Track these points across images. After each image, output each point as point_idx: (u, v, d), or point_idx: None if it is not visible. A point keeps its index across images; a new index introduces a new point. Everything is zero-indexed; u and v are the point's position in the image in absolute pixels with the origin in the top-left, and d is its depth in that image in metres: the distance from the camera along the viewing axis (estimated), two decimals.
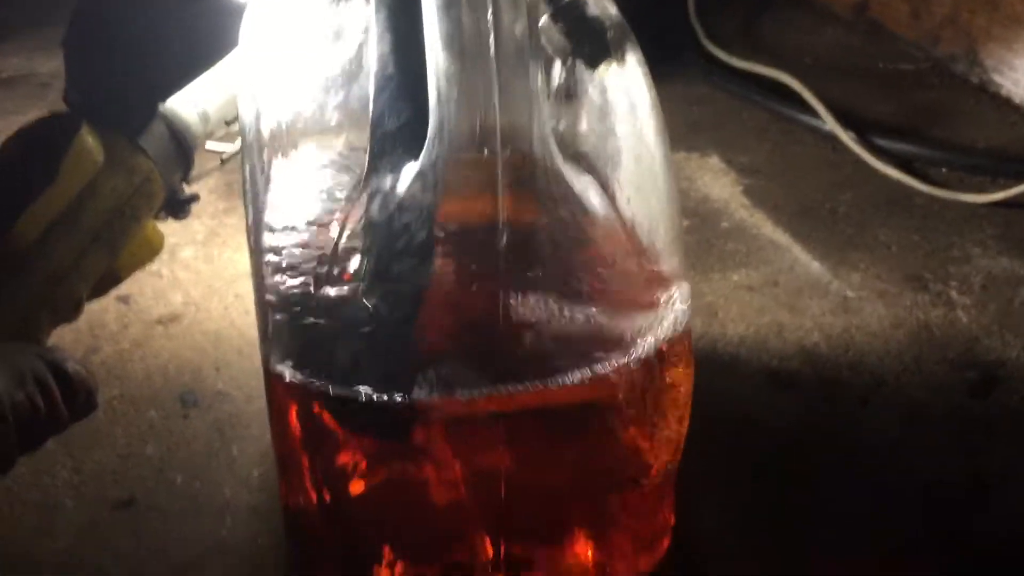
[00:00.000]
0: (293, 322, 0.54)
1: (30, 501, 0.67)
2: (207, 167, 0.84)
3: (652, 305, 0.56)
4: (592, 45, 0.55)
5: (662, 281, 0.57)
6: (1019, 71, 1.12)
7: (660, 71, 0.58)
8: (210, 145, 0.82)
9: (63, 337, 0.71)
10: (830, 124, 1.06)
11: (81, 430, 0.72)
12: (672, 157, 0.59)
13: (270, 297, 0.55)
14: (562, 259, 0.53)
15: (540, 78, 0.53)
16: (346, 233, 0.53)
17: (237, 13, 0.63)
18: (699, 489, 0.65)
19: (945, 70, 1.20)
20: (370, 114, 0.54)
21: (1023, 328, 0.80)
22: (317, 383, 0.53)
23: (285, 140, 0.60)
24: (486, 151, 0.48)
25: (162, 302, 0.86)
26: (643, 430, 0.59)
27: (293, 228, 0.58)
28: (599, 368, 0.53)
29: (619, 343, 0.54)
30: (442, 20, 0.50)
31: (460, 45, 0.50)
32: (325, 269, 0.52)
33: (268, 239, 0.58)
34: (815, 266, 0.89)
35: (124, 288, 0.87)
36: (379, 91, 0.53)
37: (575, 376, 0.52)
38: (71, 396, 0.63)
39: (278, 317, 0.55)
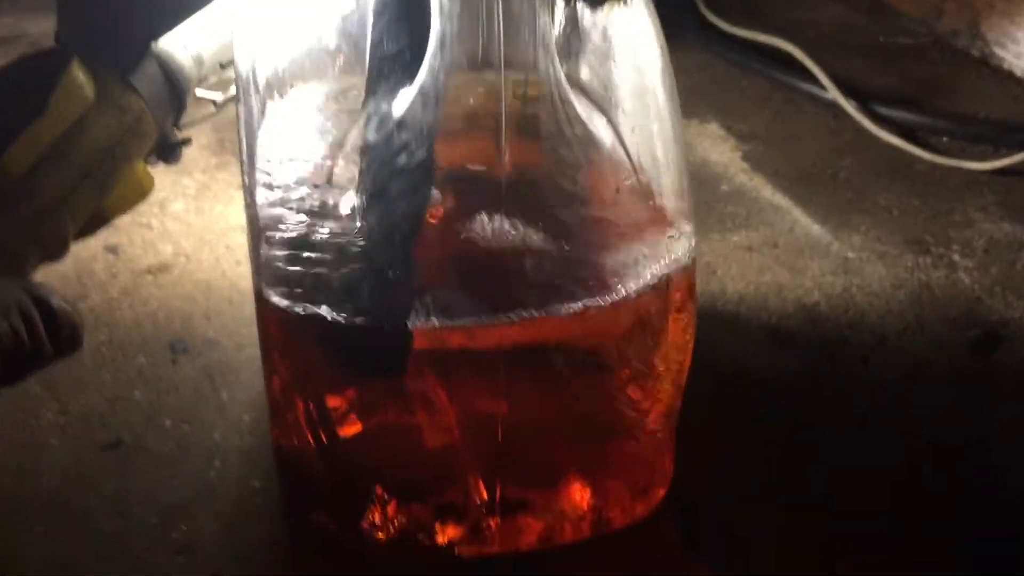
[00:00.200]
0: (287, 251, 0.53)
1: (15, 441, 0.65)
2: (200, 114, 0.83)
3: (655, 240, 0.55)
4: None
5: (666, 217, 0.56)
6: (1022, 44, 1.11)
7: None
8: (201, 93, 0.81)
9: (50, 283, 0.69)
10: (831, 91, 1.05)
11: (67, 374, 0.71)
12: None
13: (263, 224, 0.54)
14: (565, 187, 0.52)
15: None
16: (342, 158, 0.51)
17: None
18: (697, 442, 0.64)
19: (946, 45, 1.20)
20: (368, 38, 0.53)
21: None
22: (311, 312, 0.52)
23: (281, 81, 0.59)
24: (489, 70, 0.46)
25: (152, 252, 0.84)
26: (643, 370, 0.57)
27: (289, 160, 0.57)
28: (598, 300, 0.52)
29: (620, 275, 0.53)
30: None
31: None
32: (320, 195, 0.51)
33: (262, 170, 0.56)
34: (815, 228, 0.88)
35: (113, 238, 0.86)
36: (378, 14, 0.52)
37: (574, 306, 0.51)
38: (56, 331, 0.62)
39: (271, 246, 0.54)
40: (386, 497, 0.58)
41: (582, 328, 0.54)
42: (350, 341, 0.52)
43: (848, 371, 0.73)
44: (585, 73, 0.52)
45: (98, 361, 0.72)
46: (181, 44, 0.74)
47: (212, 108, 0.81)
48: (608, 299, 0.52)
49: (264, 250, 0.54)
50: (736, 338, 0.76)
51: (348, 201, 0.50)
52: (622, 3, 0.58)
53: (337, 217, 0.50)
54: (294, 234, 0.52)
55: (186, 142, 0.76)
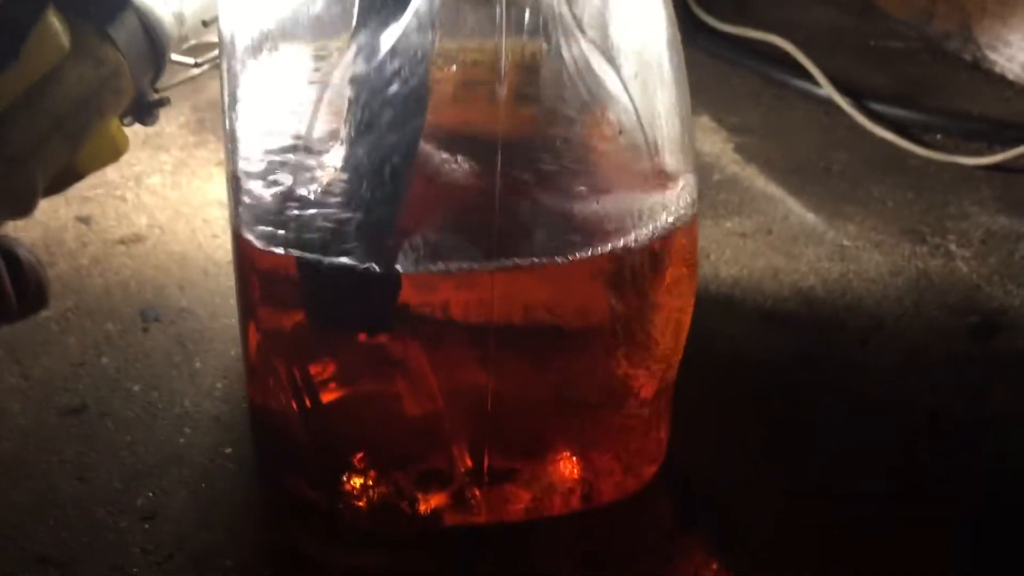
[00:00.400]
0: (269, 191, 0.50)
1: None
2: (176, 80, 0.80)
3: (654, 194, 0.52)
4: None
5: (666, 171, 0.54)
6: (1014, 47, 1.10)
7: None
8: (178, 58, 0.78)
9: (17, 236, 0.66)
10: (825, 87, 1.03)
11: (30, 337, 0.68)
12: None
13: (245, 168, 0.51)
14: (562, 130, 0.49)
15: None
16: (328, 95, 0.49)
17: None
18: (692, 421, 0.61)
19: (937, 48, 1.19)
20: None
21: None
22: (293, 254, 0.49)
23: (266, 38, 0.56)
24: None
25: (125, 223, 0.81)
26: (636, 336, 0.55)
27: (274, 102, 0.54)
28: (591, 249, 0.49)
29: (615, 227, 0.50)
30: None
31: None
32: (305, 132, 0.48)
33: (245, 115, 0.53)
34: (810, 217, 0.86)
35: (85, 209, 0.83)
36: None
37: (565, 255, 0.48)
38: (21, 285, 0.59)
39: (253, 189, 0.51)
40: (367, 463, 0.55)
41: (573, 282, 0.51)
42: (335, 288, 0.49)
43: (846, 354, 0.70)
44: (586, 13, 0.50)
45: (64, 326, 0.69)
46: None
47: (189, 72, 0.78)
48: (601, 249, 0.50)
49: (245, 193, 0.51)
50: (731, 320, 0.73)
51: (335, 138, 0.47)
52: None
53: (323, 154, 0.47)
54: (277, 174, 0.49)
55: (164, 102, 0.73)
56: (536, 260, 0.48)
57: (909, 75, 1.13)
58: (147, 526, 0.54)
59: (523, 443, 0.56)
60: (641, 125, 0.52)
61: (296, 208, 0.49)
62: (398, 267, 0.47)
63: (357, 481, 0.55)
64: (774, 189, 0.90)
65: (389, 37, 0.47)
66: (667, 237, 0.53)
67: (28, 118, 0.62)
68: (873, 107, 1.02)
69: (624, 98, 0.50)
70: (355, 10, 0.48)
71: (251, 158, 0.52)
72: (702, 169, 0.93)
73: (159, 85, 0.75)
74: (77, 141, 0.66)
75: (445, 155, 0.49)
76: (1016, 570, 0.56)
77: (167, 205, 0.84)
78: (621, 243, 0.51)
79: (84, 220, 0.81)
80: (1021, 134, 0.96)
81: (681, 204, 0.54)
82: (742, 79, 1.11)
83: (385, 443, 0.55)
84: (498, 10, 0.44)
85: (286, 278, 0.50)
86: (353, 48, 0.47)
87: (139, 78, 0.70)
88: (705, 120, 1.02)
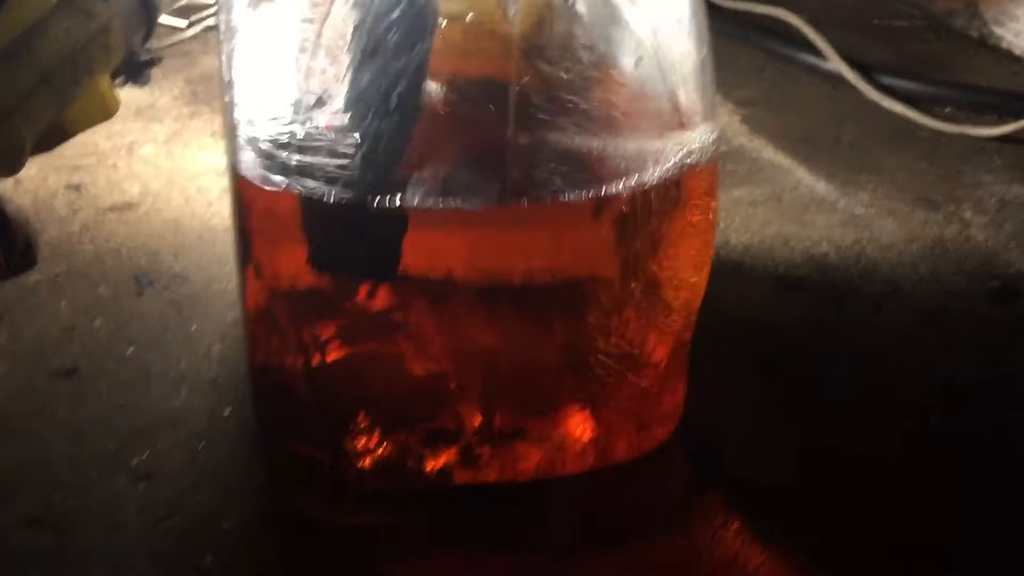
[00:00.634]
0: (270, 127, 0.48)
1: None
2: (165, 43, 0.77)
3: (669, 133, 0.50)
4: None
5: (684, 113, 0.52)
6: (1021, 22, 1.08)
7: None
8: (169, 19, 0.76)
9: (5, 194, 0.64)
10: (832, 60, 1.02)
11: (19, 301, 0.65)
12: None
13: (244, 104, 0.49)
14: (577, 66, 0.47)
15: None
16: (329, 26, 0.46)
17: None
18: (706, 383, 0.59)
19: (941, 25, 1.17)
20: None
21: None
22: (296, 191, 0.46)
23: None
24: None
25: (116, 191, 0.79)
26: (649, 286, 0.53)
27: (274, 31, 0.51)
28: (608, 188, 0.47)
29: (631, 166, 0.48)
30: None
31: None
32: (305, 63, 0.46)
33: (243, 51, 0.51)
34: (820, 185, 0.84)
35: (76, 177, 0.81)
36: None
37: (573, 195, 0.46)
38: (9, 242, 0.57)
39: (253, 124, 0.48)
40: (373, 422, 0.53)
41: (586, 224, 0.49)
42: (338, 228, 0.46)
43: (861, 318, 0.68)
44: None
45: (54, 290, 0.66)
46: None
47: (181, 35, 0.76)
48: (615, 188, 0.47)
49: (245, 131, 0.48)
50: (742, 285, 0.71)
51: (337, 69, 0.45)
52: None
53: (327, 86, 0.45)
54: (278, 108, 0.47)
55: (156, 61, 0.71)
56: (550, 199, 0.46)
57: (915, 51, 1.11)
58: (143, 487, 0.52)
59: (532, 401, 0.54)
60: (659, 65, 0.50)
61: (298, 143, 0.46)
62: (405, 203, 0.44)
63: (362, 440, 0.53)
64: (783, 159, 0.88)
65: None
66: (683, 178, 0.51)
67: (12, 70, 0.60)
68: (881, 80, 1.00)
69: (641, 34, 0.48)
70: None
71: (250, 97, 0.50)
72: None
73: (150, 47, 0.73)
74: (64, 97, 0.64)
75: (455, 90, 0.47)
76: None
77: (160, 174, 0.82)
78: (635, 182, 0.48)
79: (74, 188, 0.79)
80: None
81: (698, 146, 0.52)
82: (747, 55, 1.09)
83: (391, 401, 0.53)
84: None
85: (288, 222, 0.48)
86: None
87: (130, 35, 0.68)
88: None
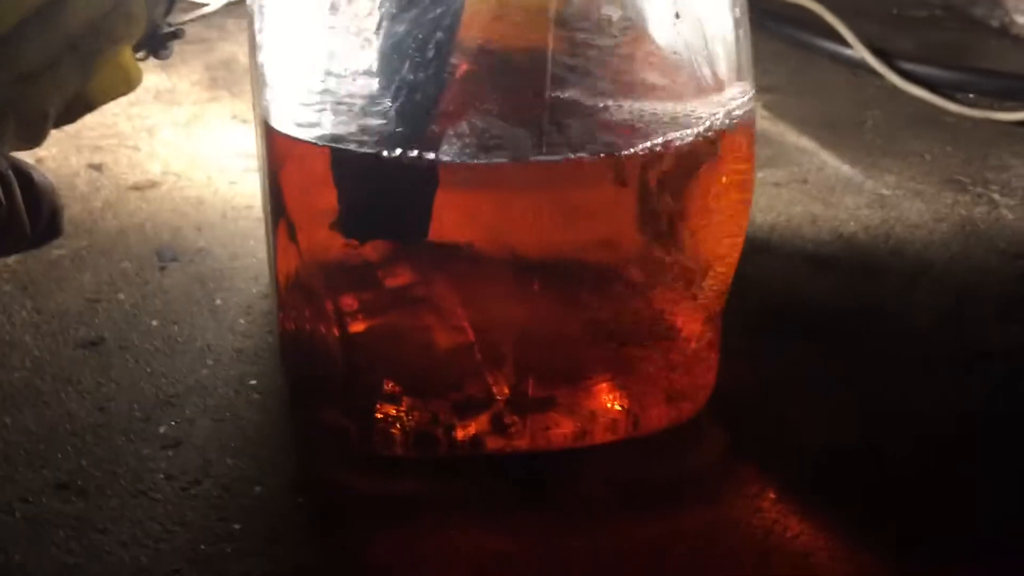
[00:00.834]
0: (301, 78, 0.47)
1: None
2: (190, 16, 0.77)
3: (703, 96, 0.50)
4: None
5: (719, 75, 0.51)
6: None
7: None
8: None
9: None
10: (855, 47, 1.01)
11: (42, 274, 0.65)
12: None
13: (274, 60, 0.48)
14: (611, 23, 0.46)
15: None
16: None
17: None
18: (737, 356, 0.59)
19: (961, 15, 1.16)
20: None
21: None
22: (328, 144, 0.45)
23: None
24: None
25: (139, 170, 0.78)
26: (687, 253, 0.52)
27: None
28: (639, 147, 0.46)
29: (664, 126, 0.47)
30: None
31: None
32: (337, 19, 0.45)
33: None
34: (846, 168, 0.83)
35: (97, 157, 0.80)
36: None
37: (614, 151, 0.45)
38: (36, 208, 0.56)
39: (284, 76, 0.48)
40: (403, 390, 0.52)
41: (613, 187, 0.48)
42: (370, 183, 0.46)
43: (893, 292, 0.68)
44: None
45: (78, 264, 0.66)
46: None
47: (201, 10, 0.75)
48: (644, 148, 0.47)
49: (275, 81, 0.48)
50: (771, 261, 0.70)
51: (370, 19, 0.44)
52: None
53: (360, 36, 0.44)
54: (310, 61, 0.46)
55: (178, 34, 0.70)
56: (583, 156, 0.45)
57: (935, 40, 1.11)
58: (171, 453, 0.51)
59: (561, 372, 0.53)
60: (694, 22, 0.49)
61: (328, 93, 0.46)
62: (438, 158, 0.44)
63: (392, 408, 0.52)
64: (807, 143, 0.88)
65: None
66: (718, 139, 0.50)
67: (40, 34, 0.59)
68: (904, 67, 0.99)
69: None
70: None
71: (282, 48, 0.49)
72: None
73: (172, 20, 0.72)
74: (88, 66, 0.63)
75: (488, 47, 0.46)
76: None
77: (181, 155, 0.81)
78: (669, 141, 0.48)
79: (96, 167, 0.78)
80: None
81: (734, 106, 0.51)
82: (765, 42, 1.09)
83: (420, 370, 0.52)
84: None
85: (321, 180, 0.47)
86: None
87: (152, 6, 0.67)
88: None
